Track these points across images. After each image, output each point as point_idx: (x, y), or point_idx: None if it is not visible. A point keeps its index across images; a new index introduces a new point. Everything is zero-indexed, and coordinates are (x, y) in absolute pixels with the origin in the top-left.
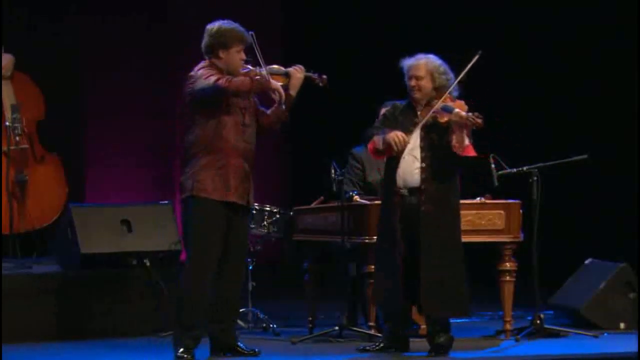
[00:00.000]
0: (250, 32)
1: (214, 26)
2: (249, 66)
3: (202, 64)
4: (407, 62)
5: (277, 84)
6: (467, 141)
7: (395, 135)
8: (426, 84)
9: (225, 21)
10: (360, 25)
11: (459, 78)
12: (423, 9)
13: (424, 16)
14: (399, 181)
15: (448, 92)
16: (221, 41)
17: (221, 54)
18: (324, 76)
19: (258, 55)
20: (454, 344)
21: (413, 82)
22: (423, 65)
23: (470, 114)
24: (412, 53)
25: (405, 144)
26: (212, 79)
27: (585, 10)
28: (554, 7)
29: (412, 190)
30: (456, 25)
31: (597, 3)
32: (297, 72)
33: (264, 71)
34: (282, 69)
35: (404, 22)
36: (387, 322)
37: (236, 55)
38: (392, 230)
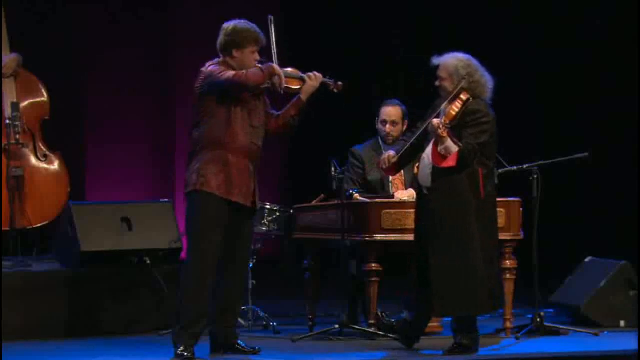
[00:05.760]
0: (269, 16)
1: (229, 25)
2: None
3: (214, 61)
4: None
5: (279, 70)
6: (446, 150)
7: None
8: (448, 85)
9: (242, 21)
10: (360, 24)
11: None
12: (423, 9)
13: (423, 16)
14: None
15: (450, 98)
16: (236, 41)
17: (235, 54)
18: (340, 82)
19: (272, 48)
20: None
21: (437, 83)
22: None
23: (435, 120)
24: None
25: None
26: (229, 73)
27: (586, 9)
28: (555, 5)
29: (428, 189)
30: (456, 23)
31: (599, 2)
32: (312, 80)
33: (272, 64)
34: (299, 73)
35: (404, 22)
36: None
37: (250, 56)
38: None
